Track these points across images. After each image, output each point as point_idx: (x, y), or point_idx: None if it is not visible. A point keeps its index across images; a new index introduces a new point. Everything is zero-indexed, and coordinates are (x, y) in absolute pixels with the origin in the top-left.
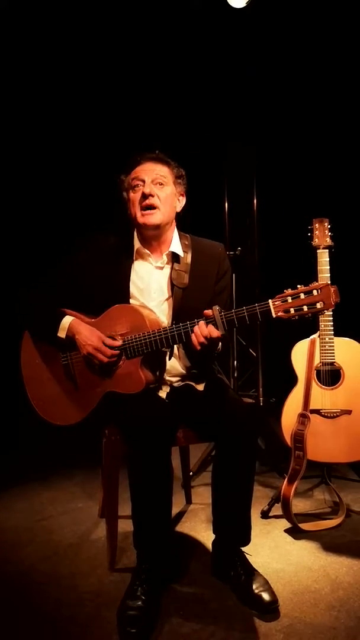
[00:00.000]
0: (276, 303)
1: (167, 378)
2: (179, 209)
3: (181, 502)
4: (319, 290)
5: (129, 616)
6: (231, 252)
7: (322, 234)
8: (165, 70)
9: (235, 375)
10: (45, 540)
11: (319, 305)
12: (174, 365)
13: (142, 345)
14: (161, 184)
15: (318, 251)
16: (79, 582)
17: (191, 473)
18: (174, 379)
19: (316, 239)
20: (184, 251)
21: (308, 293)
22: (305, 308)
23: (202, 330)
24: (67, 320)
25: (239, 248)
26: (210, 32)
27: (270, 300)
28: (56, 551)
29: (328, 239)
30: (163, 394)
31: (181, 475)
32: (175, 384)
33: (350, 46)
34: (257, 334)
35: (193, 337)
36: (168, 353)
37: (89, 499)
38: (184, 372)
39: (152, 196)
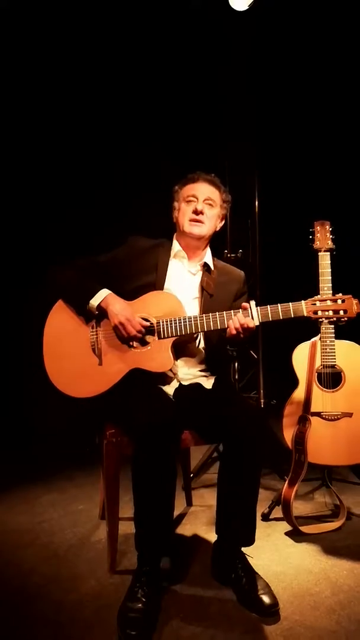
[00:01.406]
0: (308, 304)
1: (180, 374)
2: (217, 229)
3: (182, 504)
4: (343, 301)
5: (130, 618)
6: (232, 255)
7: (323, 237)
8: (166, 70)
9: (237, 377)
10: (45, 542)
11: (342, 313)
12: (193, 360)
13: (178, 327)
14: (211, 205)
15: (319, 254)
16: (80, 584)
17: (192, 475)
18: (187, 376)
19: (317, 242)
20: (214, 267)
21: (334, 301)
22: (330, 313)
23: (240, 319)
24: (104, 291)
25: (240, 250)
26: (212, 32)
27: (303, 301)
28: (57, 553)
29: (329, 242)
30: (171, 390)
31: (182, 477)
32: (185, 382)
33: (353, 48)
34: (258, 336)
35: (230, 323)
36: (197, 342)
37: (89, 501)
38: (199, 368)
39: (202, 213)
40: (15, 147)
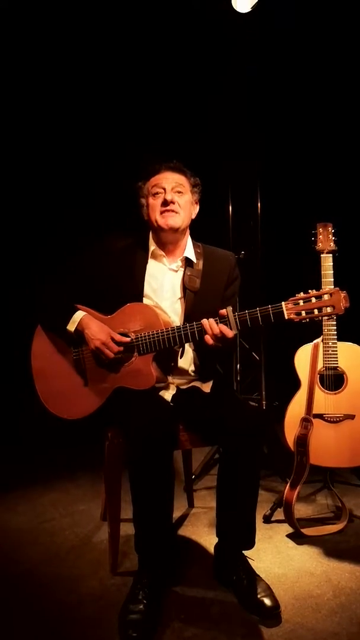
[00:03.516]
0: (289, 305)
1: (175, 380)
2: (193, 216)
3: (183, 505)
4: (330, 295)
5: (131, 620)
6: (235, 256)
7: (325, 239)
8: (167, 71)
9: (239, 378)
10: (47, 542)
11: (329, 310)
12: (183, 366)
13: (155, 342)
14: (180, 192)
15: (322, 255)
16: (81, 585)
17: (193, 477)
18: (182, 381)
19: (320, 244)
20: (196, 258)
21: (319, 297)
22: (316, 311)
23: (214, 329)
24: (78, 314)
25: (243, 252)
26: (213, 34)
27: (283, 303)
28: (58, 554)
29: (332, 244)
30: (169, 395)
31: (183, 478)
32: (182, 386)
33: (355, 50)
34: (261, 338)
35: (207, 337)
36: (180, 352)
37: (91, 501)
38: (192, 374)
39: (173, 203)
40: (15, 147)
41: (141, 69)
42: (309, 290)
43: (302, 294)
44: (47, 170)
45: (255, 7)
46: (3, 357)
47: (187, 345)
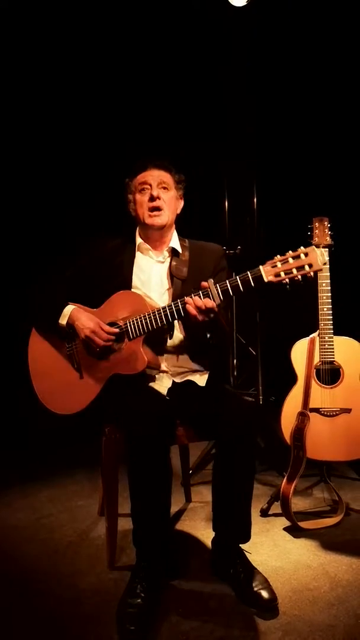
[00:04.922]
0: (267, 268)
1: (171, 368)
2: (178, 211)
3: (181, 500)
4: (306, 255)
5: (129, 614)
6: (231, 251)
7: (322, 233)
8: (165, 68)
9: (235, 373)
10: (45, 538)
11: (307, 268)
12: (173, 348)
13: (143, 324)
14: (165, 188)
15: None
16: (79, 580)
17: (191, 471)
18: (176, 368)
19: (316, 238)
20: (182, 249)
21: (296, 257)
22: (294, 271)
23: (197, 301)
24: (68, 308)
25: (239, 247)
26: (211, 29)
27: (261, 266)
28: (56, 549)
29: (328, 238)
30: (164, 390)
31: (181, 473)
32: (177, 379)
33: (353, 45)
34: (257, 332)
35: (189, 307)
36: (169, 334)
37: (88, 497)
38: (186, 361)
39: (159, 199)
40: (16, 146)
41: (139, 66)
42: (286, 252)
43: (279, 256)
44: (46, 170)
45: (250, 1)
46: (2, 356)
47: (176, 330)
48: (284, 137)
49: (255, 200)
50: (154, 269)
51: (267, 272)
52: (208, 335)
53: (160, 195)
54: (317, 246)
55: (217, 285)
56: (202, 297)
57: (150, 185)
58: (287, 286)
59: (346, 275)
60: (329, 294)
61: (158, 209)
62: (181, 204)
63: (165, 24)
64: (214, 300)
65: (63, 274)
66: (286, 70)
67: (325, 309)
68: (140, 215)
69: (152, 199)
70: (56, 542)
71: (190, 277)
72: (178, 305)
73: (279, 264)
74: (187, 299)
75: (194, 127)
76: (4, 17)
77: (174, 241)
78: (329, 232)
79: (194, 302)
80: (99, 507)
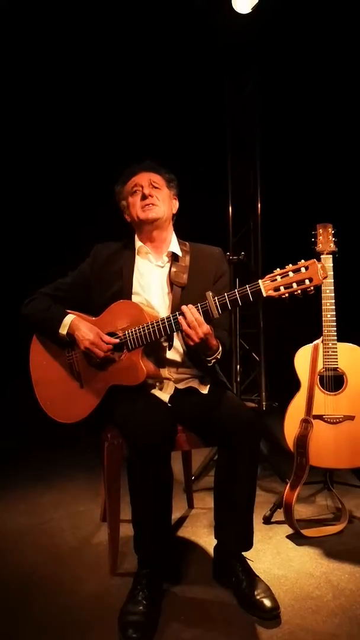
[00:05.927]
0: (266, 282)
1: (174, 375)
2: (174, 211)
3: (183, 506)
4: (306, 268)
5: (130, 621)
6: (235, 257)
7: (325, 240)
8: (168, 72)
9: (238, 379)
10: (46, 543)
11: (307, 282)
12: (174, 358)
13: (141, 336)
14: (157, 187)
15: (322, 257)
16: (80, 586)
17: (193, 478)
18: (179, 375)
19: (320, 245)
20: (182, 254)
21: (296, 271)
22: (294, 285)
23: (193, 313)
24: (68, 318)
25: (243, 253)
26: (215, 36)
27: (260, 280)
28: (57, 555)
29: (332, 245)
30: (166, 397)
31: (183, 479)
32: (180, 385)
33: (355, 52)
34: (260, 338)
35: (181, 319)
36: (167, 345)
37: (91, 502)
38: (187, 368)
39: (152, 196)
40: (16, 148)
41: (142, 70)
42: (286, 266)
43: (278, 270)
44: (46, 172)
45: (255, 8)
46: (3, 359)
47: (176, 340)
48: (288, 143)
49: (259, 206)
50: (154, 273)
51: (266, 287)
52: (206, 358)
53: (153, 193)
54: (321, 253)
55: (216, 299)
56: (200, 309)
57: (142, 185)
58: (287, 300)
59: (350, 283)
60: (333, 301)
61: (152, 203)
62: (176, 204)
63: (173, 33)
64: (212, 314)
65: (63, 280)
66: (291, 75)
67: (329, 316)
68: (135, 215)
69: (145, 197)
70: (58, 548)
71: (190, 283)
72: (177, 318)
73: (278, 278)
74: (183, 308)
75: (198, 133)
76: (4, 18)
77: (174, 245)
78: (333, 239)
79: (190, 314)
80: (101, 512)
